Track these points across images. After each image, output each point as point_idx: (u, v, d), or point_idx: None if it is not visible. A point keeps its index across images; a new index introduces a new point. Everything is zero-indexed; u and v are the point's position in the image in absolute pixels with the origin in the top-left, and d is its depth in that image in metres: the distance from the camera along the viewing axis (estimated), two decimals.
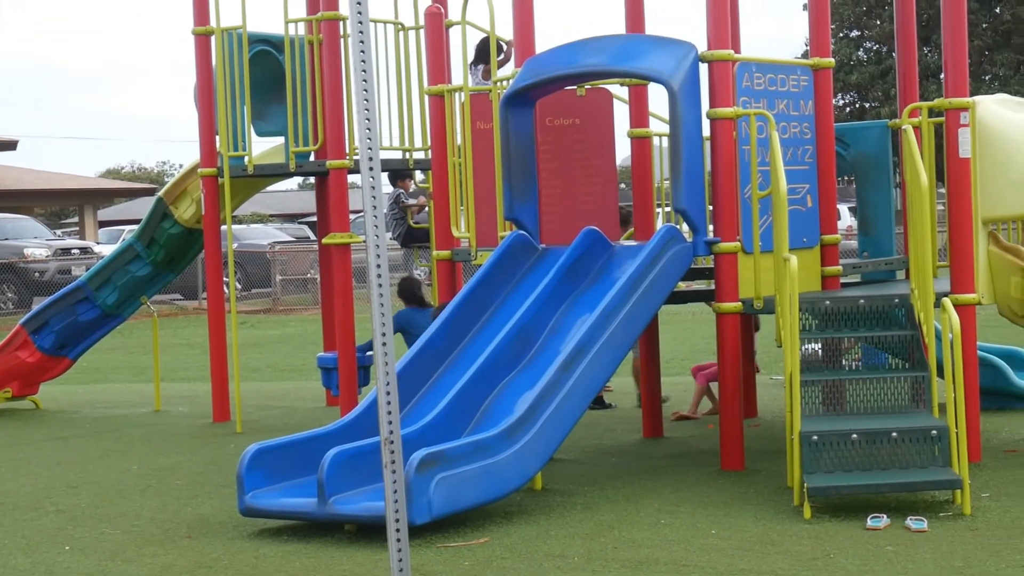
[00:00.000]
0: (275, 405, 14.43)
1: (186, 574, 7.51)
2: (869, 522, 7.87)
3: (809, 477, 8.27)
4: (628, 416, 12.39)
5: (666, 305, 10.01)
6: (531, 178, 10.43)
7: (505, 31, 11.54)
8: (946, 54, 9.79)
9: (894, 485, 8.24)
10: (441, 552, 7.69)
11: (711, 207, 10.01)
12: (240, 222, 41.73)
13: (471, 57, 12.34)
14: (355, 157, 12.41)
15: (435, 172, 11.39)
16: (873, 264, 11.29)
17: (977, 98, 9.83)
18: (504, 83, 10.73)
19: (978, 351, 10.08)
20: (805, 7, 29.28)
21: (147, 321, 19.95)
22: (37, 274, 30.44)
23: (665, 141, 11.01)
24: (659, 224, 10.79)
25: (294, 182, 61.20)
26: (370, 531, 7.97)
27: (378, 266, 6.10)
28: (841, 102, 40.20)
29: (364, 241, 6.42)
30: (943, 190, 10.20)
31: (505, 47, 12.37)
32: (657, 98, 11.00)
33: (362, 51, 6.06)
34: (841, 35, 40.34)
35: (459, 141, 11.17)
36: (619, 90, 11.19)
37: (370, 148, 6.04)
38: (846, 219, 31.31)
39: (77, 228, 45.51)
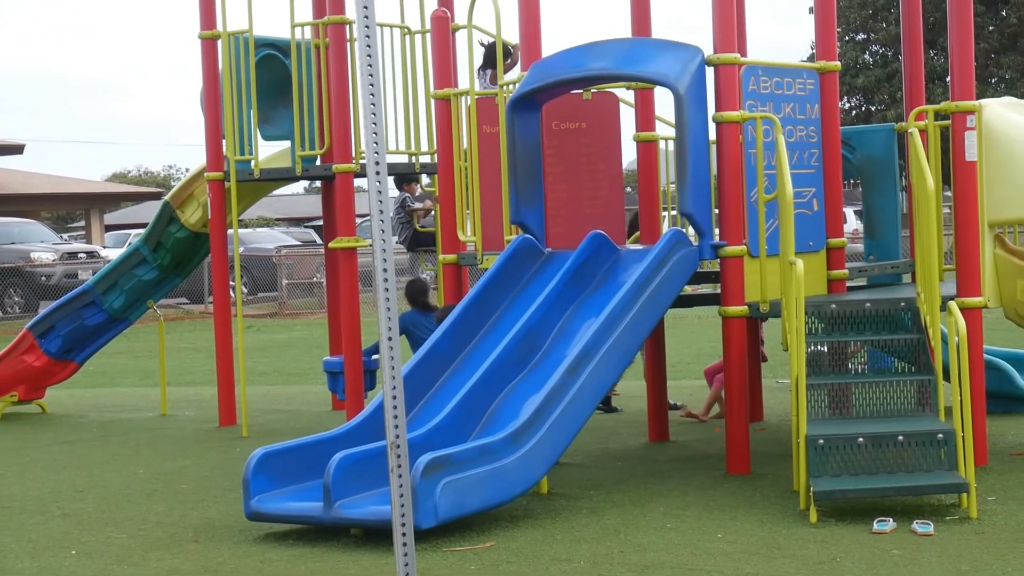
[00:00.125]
0: (281, 409, 14.43)
1: None
2: (875, 526, 7.86)
3: (815, 481, 8.27)
4: (634, 420, 12.38)
5: (672, 309, 10.01)
6: (537, 182, 10.44)
7: (511, 35, 11.55)
8: (952, 57, 9.78)
9: (900, 489, 8.24)
10: (447, 556, 7.69)
11: (717, 211, 10.01)
12: (246, 226, 41.74)
13: (478, 61, 12.34)
14: (361, 161, 12.41)
15: (441, 176, 11.40)
16: (879, 267, 11.28)
17: (983, 101, 9.82)
18: (510, 87, 10.74)
19: (984, 354, 10.06)
20: (811, 10, 29.30)
21: (153, 325, 19.96)
22: (44, 278, 30.47)
23: (671, 145, 11.02)
24: (665, 228, 10.80)
25: (300, 186, 61.29)
26: (376, 535, 7.97)
27: (384, 270, 6.10)
28: (847, 105, 40.19)
29: (370, 245, 6.43)
30: (949, 193, 10.19)
31: (513, 51, 12.37)
32: (663, 102, 11.00)
33: (368, 55, 6.07)
34: (847, 38, 40.32)
35: (465, 145, 11.17)
36: (625, 94, 11.20)
37: (376, 152, 6.04)
38: (852, 222, 31.32)
39: (84, 232, 45.57)
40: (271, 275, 32.98)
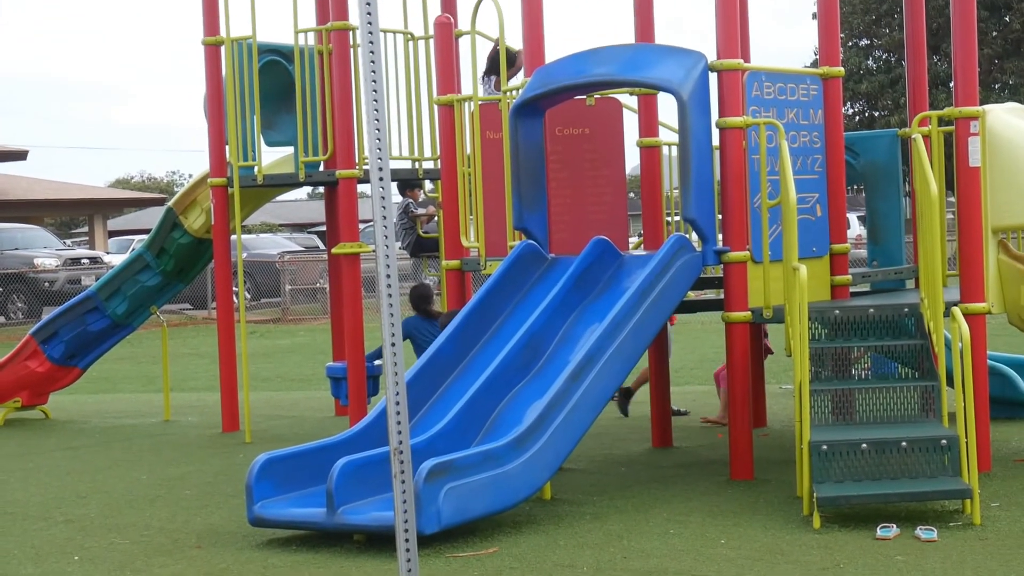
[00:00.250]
0: (284, 415, 14.43)
1: None
2: (879, 532, 7.85)
3: (819, 487, 8.26)
4: (637, 426, 12.37)
5: (676, 314, 10.01)
6: (540, 188, 10.44)
7: (514, 40, 11.55)
8: (956, 63, 9.78)
9: (904, 495, 8.23)
10: (450, 562, 7.69)
11: (720, 216, 10.01)
12: (249, 232, 41.77)
13: (481, 67, 12.34)
14: (365, 167, 12.42)
15: (444, 182, 11.40)
16: (883, 273, 11.28)
17: (987, 107, 9.82)
18: (514, 93, 10.74)
19: (988, 360, 10.06)
20: (814, 16, 29.29)
21: (156, 331, 19.98)
22: (47, 284, 30.48)
23: (674, 150, 11.01)
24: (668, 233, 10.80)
25: (304, 192, 61.25)
26: (379, 541, 7.97)
27: (387, 276, 6.09)
28: (851, 111, 40.15)
29: (373, 251, 6.42)
30: (953, 199, 10.19)
31: (518, 58, 12.37)
32: (666, 107, 11.00)
33: (372, 61, 6.06)
34: (850, 44, 40.29)
35: (468, 151, 11.17)
36: (628, 99, 11.19)
37: (380, 158, 6.04)
38: (855, 228, 31.30)
39: (87, 238, 45.56)
40: (274, 281, 33.00)
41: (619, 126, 11.04)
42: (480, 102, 11.13)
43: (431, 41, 12.76)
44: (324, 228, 14.58)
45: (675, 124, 9.98)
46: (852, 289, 10.78)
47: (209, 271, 23.97)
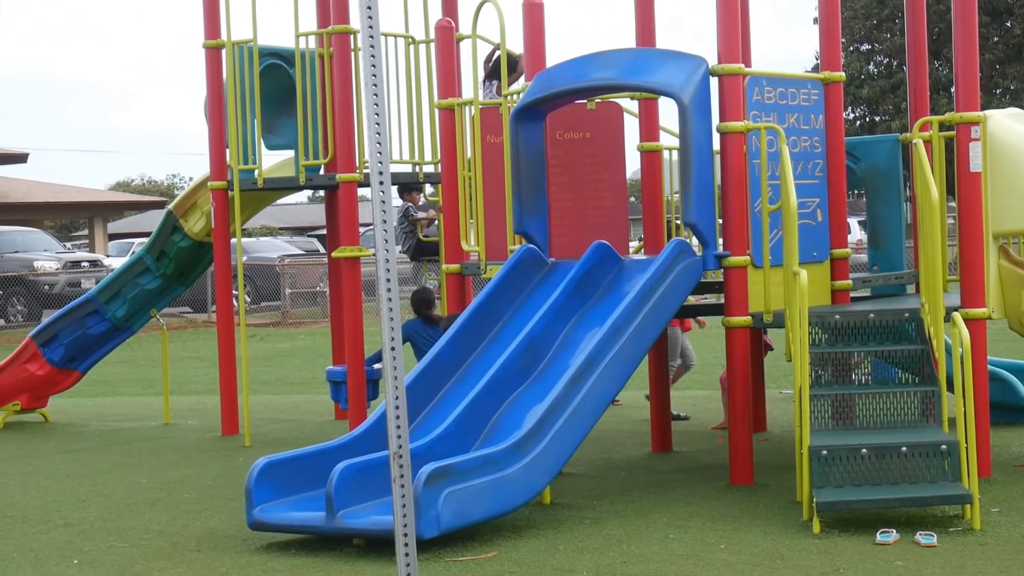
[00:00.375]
0: (284, 418, 14.43)
1: None
2: (879, 537, 7.85)
3: (818, 492, 8.26)
4: (637, 430, 12.37)
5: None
6: (541, 192, 10.44)
7: (515, 44, 11.55)
8: (957, 68, 9.78)
9: (904, 500, 8.22)
10: (450, 566, 7.68)
11: (721, 221, 10.01)
12: (250, 235, 41.77)
13: (481, 71, 12.33)
14: (365, 170, 12.42)
15: (445, 185, 11.40)
16: (883, 278, 11.28)
17: (988, 112, 9.82)
18: (514, 97, 10.74)
19: (988, 366, 10.05)
20: (815, 21, 29.31)
21: (156, 334, 19.99)
22: (47, 287, 30.48)
23: (675, 155, 11.01)
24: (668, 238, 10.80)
25: (304, 195, 61.27)
26: (379, 545, 7.96)
27: (387, 280, 6.09)
28: (851, 116, 40.19)
29: (374, 254, 6.42)
30: (953, 204, 10.19)
31: (519, 63, 12.37)
32: (667, 112, 11.01)
33: (373, 64, 6.06)
34: (851, 49, 40.33)
35: (469, 155, 11.17)
36: (629, 104, 11.19)
37: (380, 161, 6.04)
38: (856, 233, 31.29)
39: (87, 241, 45.57)
40: (274, 284, 33.00)
41: (620, 130, 11.04)
42: (481, 106, 11.13)
43: (432, 45, 12.76)
44: (324, 232, 14.58)
45: (676, 128, 9.98)
46: (853, 294, 10.78)
47: (209, 274, 23.99)
